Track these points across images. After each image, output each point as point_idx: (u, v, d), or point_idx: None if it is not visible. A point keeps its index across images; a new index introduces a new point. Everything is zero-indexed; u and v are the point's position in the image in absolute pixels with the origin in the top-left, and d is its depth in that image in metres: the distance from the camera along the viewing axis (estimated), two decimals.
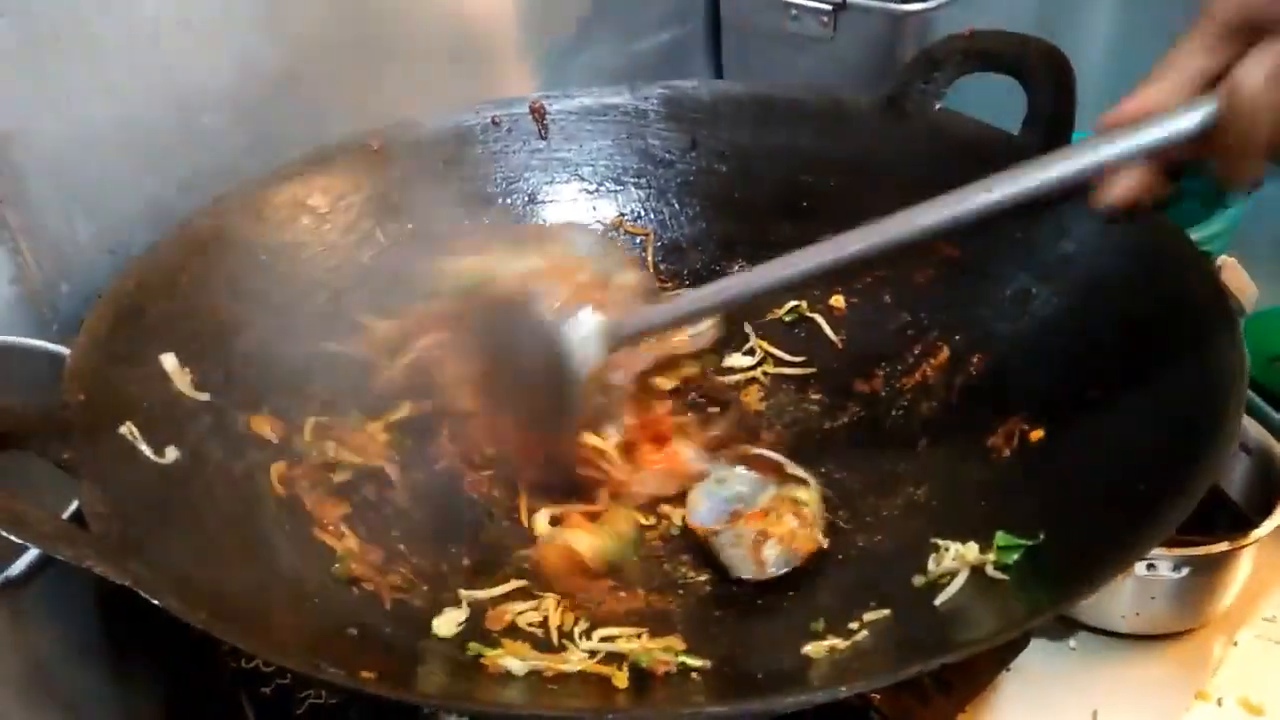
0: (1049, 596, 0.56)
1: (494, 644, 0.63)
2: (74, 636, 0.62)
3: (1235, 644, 0.86)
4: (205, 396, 0.71)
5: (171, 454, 0.64)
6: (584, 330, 0.70)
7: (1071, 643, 0.88)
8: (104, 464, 0.59)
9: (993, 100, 0.85)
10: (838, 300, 0.91)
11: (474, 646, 0.62)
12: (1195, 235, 0.97)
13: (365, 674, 0.48)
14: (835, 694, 0.45)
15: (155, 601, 0.48)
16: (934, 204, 0.63)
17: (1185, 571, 0.82)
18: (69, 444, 0.57)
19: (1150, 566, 0.82)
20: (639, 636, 0.63)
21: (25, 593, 0.57)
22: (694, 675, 0.59)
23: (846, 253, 0.65)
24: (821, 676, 0.56)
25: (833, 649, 0.59)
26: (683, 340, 0.85)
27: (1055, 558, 0.59)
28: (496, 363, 0.76)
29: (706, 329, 0.86)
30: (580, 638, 0.64)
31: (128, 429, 0.62)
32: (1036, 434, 0.71)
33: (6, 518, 0.48)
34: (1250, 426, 0.89)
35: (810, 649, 0.60)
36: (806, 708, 0.45)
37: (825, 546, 0.70)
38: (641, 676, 0.59)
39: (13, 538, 0.48)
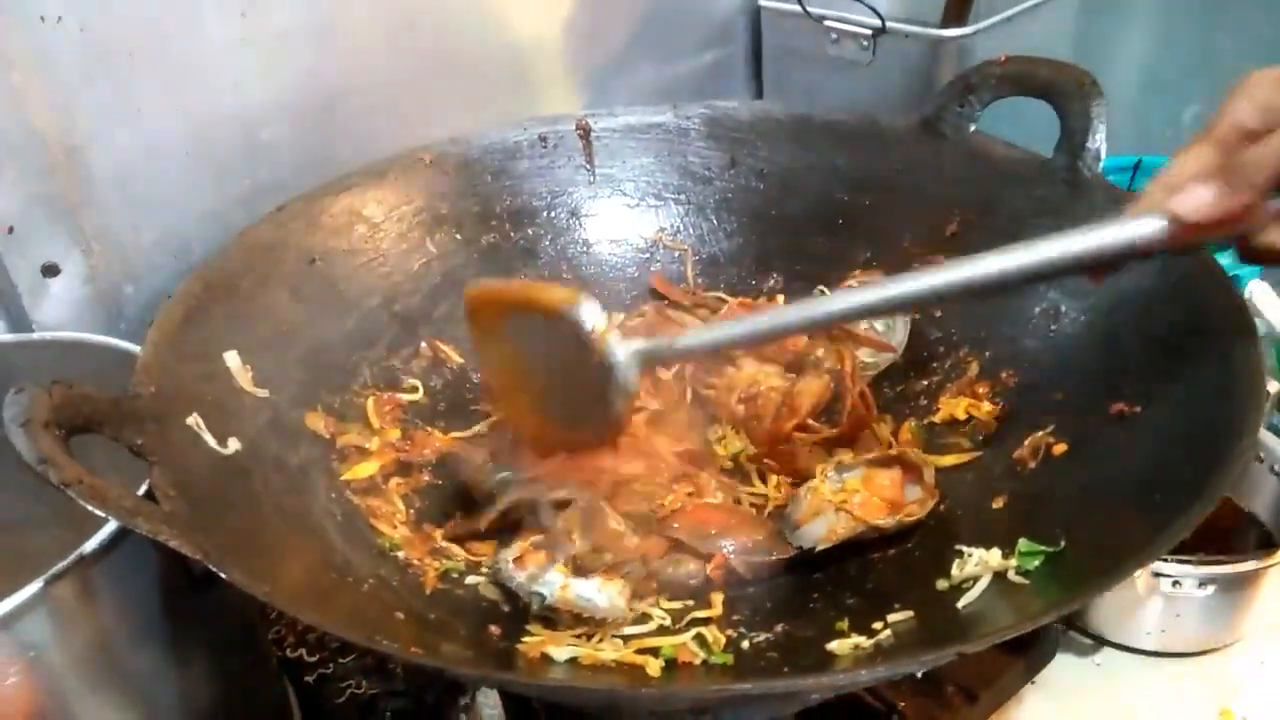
0: (1063, 596, 0.58)
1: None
2: (137, 617, 0.65)
3: (1262, 663, 0.87)
4: (264, 393, 0.74)
5: (233, 445, 0.68)
6: (628, 350, 0.70)
7: (1097, 659, 0.88)
8: (172, 450, 0.62)
9: (1027, 124, 0.87)
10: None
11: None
12: (1226, 259, 0.98)
13: (416, 649, 0.51)
14: (855, 679, 0.47)
15: (222, 574, 0.52)
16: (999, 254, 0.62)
17: (1211, 589, 0.82)
18: (141, 431, 0.61)
19: (1176, 584, 0.83)
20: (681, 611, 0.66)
21: (95, 570, 0.60)
22: (721, 666, 0.61)
23: (901, 293, 0.65)
24: (845, 668, 0.58)
25: (857, 646, 0.61)
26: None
27: (1074, 564, 0.61)
28: (537, 373, 0.76)
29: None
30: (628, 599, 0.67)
31: (194, 420, 0.66)
32: (1060, 447, 0.72)
33: (90, 492, 0.51)
34: (1279, 448, 0.90)
35: (835, 645, 0.62)
36: (828, 692, 0.47)
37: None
38: (672, 666, 0.62)
39: (96, 511, 0.52)
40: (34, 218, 0.83)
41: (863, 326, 0.88)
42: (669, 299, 0.97)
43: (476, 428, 0.87)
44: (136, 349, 0.71)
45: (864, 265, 0.92)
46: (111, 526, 0.59)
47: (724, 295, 0.97)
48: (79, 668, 0.62)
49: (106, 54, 0.84)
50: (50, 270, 0.86)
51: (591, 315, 0.69)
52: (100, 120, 0.85)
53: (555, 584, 0.66)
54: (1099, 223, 0.60)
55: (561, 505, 0.72)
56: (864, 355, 0.88)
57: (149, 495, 0.59)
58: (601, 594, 0.66)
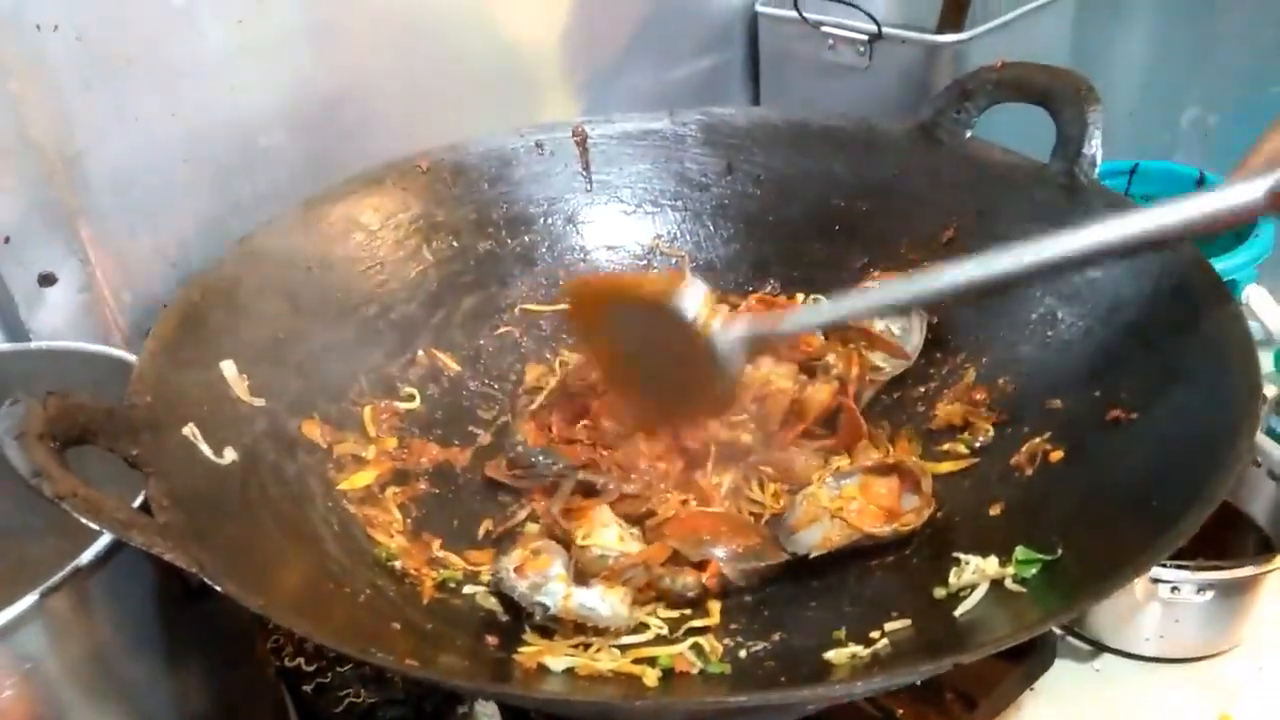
0: (1061, 603, 0.58)
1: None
2: (134, 627, 0.65)
3: (1260, 669, 0.87)
4: (260, 402, 0.74)
5: (229, 455, 0.68)
6: (732, 334, 0.72)
7: (1096, 665, 0.88)
8: (168, 461, 0.62)
9: (1023, 129, 0.87)
10: (869, 324, 0.93)
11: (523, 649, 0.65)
12: (1222, 265, 0.99)
13: (410, 661, 0.51)
14: (852, 690, 0.47)
15: (217, 587, 0.51)
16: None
17: (1210, 595, 0.82)
18: (136, 441, 0.61)
19: (1175, 589, 0.82)
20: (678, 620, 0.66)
21: (91, 582, 0.59)
22: (718, 676, 0.61)
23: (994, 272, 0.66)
24: (841, 678, 0.58)
25: (854, 656, 0.61)
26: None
27: (1071, 571, 0.61)
28: (643, 360, 0.77)
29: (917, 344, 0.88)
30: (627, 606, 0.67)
31: (190, 430, 0.66)
32: (1057, 454, 0.72)
33: (85, 505, 0.51)
34: (1278, 454, 0.90)
35: (832, 655, 0.62)
36: (824, 704, 0.46)
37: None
38: (669, 676, 0.62)
39: (90, 524, 0.52)
40: (31, 226, 0.83)
41: (879, 328, 0.88)
42: None
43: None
44: (133, 358, 0.71)
45: (861, 271, 0.92)
46: (107, 537, 0.59)
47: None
48: (75, 679, 0.62)
49: (104, 62, 0.84)
50: (47, 279, 0.86)
51: (693, 304, 0.70)
52: (97, 128, 0.85)
53: (558, 594, 0.66)
54: (1201, 192, 0.61)
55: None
56: (877, 360, 0.87)
57: (144, 507, 0.59)
58: (604, 602, 0.66)
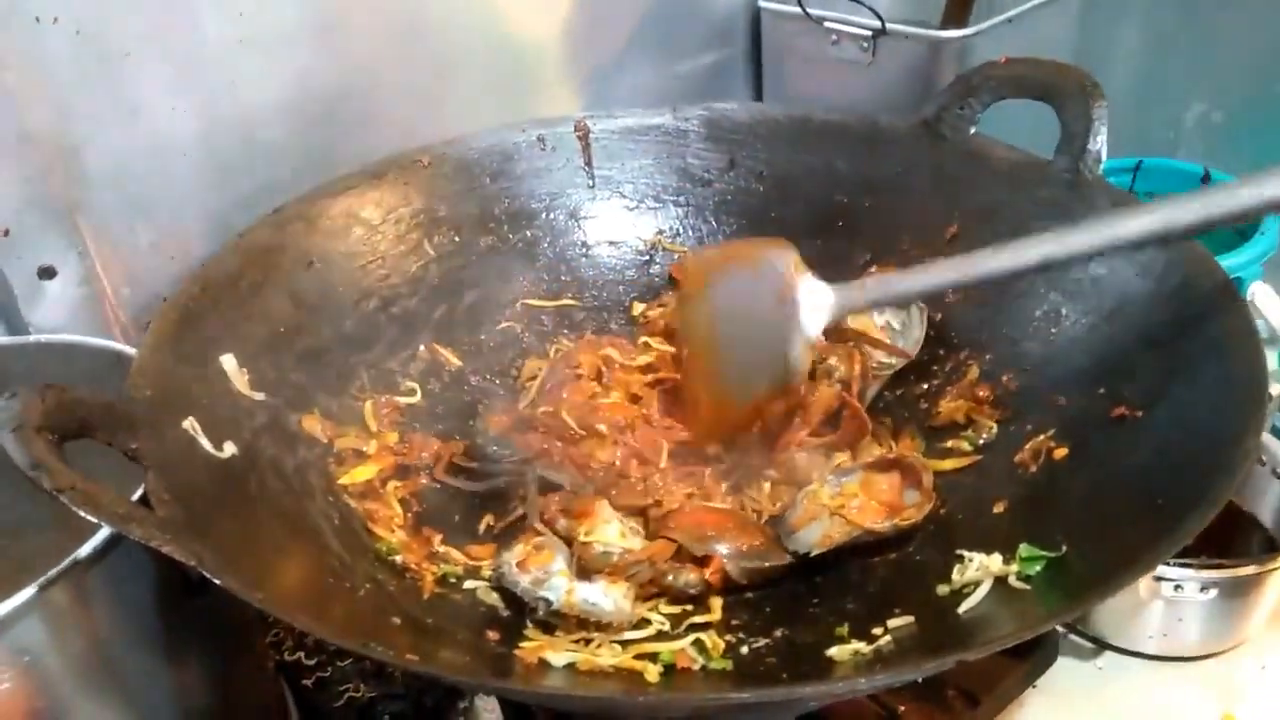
0: (1065, 601, 0.57)
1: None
2: (133, 621, 0.65)
3: (1264, 668, 0.87)
4: (261, 396, 0.74)
5: (229, 449, 0.68)
6: (817, 297, 0.73)
7: (1099, 663, 0.88)
8: (168, 455, 0.62)
9: (1027, 125, 0.87)
10: (868, 325, 0.92)
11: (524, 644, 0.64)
12: (1228, 262, 0.98)
13: (411, 656, 0.51)
14: (855, 687, 0.47)
15: (217, 581, 0.51)
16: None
17: (1213, 593, 0.82)
18: (136, 435, 0.61)
19: (1178, 588, 0.82)
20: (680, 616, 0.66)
21: (90, 575, 0.59)
22: (720, 672, 0.61)
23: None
24: (845, 675, 0.57)
25: (856, 653, 0.61)
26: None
27: (1075, 569, 0.60)
28: (729, 331, 0.77)
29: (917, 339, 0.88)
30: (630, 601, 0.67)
31: (190, 424, 0.66)
32: (1061, 451, 0.72)
33: (83, 498, 0.51)
34: None
35: (834, 652, 0.61)
36: (826, 700, 0.46)
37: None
38: (671, 672, 0.61)
39: (88, 517, 0.51)
40: (30, 220, 0.83)
41: (879, 325, 0.88)
42: None
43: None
44: (132, 352, 0.71)
45: (863, 267, 0.91)
46: (106, 531, 0.58)
47: None
48: (74, 672, 0.62)
49: (103, 55, 0.84)
50: (46, 273, 0.85)
51: (787, 259, 0.74)
52: (97, 121, 0.85)
53: (561, 588, 0.66)
54: (1240, 181, 0.61)
55: (550, 487, 0.74)
56: (879, 356, 0.87)
57: (144, 500, 0.58)
58: (607, 597, 0.66)
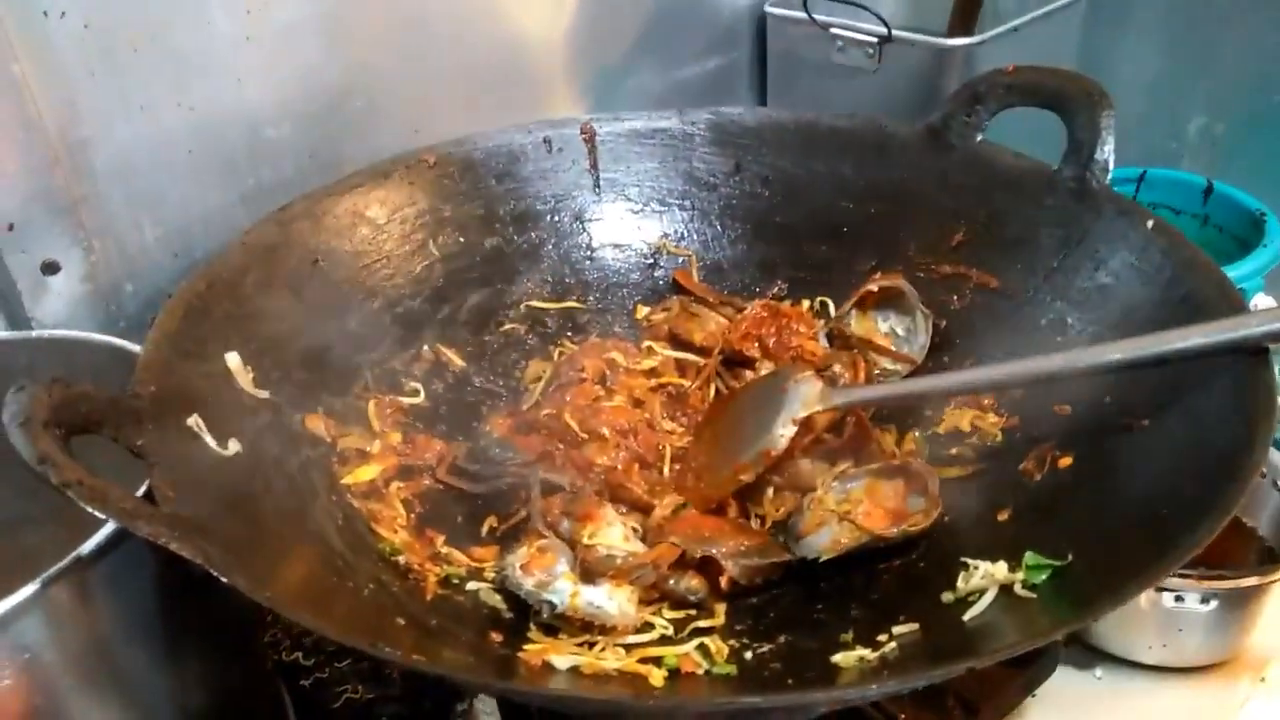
0: (1072, 611, 0.57)
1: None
2: (133, 619, 0.64)
3: (1263, 680, 0.87)
4: (265, 394, 0.74)
5: (233, 446, 0.67)
6: (807, 385, 0.78)
7: (1098, 672, 0.88)
8: (172, 451, 0.62)
9: (1034, 133, 0.87)
10: (873, 332, 0.92)
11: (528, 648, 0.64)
12: (1232, 274, 0.98)
13: (417, 656, 0.50)
14: (865, 693, 0.46)
15: (224, 579, 0.51)
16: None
17: (1213, 605, 0.82)
18: (141, 431, 0.60)
19: (1178, 599, 0.82)
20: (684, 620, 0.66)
21: (92, 572, 0.59)
22: (724, 677, 0.61)
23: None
24: (852, 681, 0.57)
25: (861, 659, 0.60)
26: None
27: (1082, 578, 0.60)
28: (733, 403, 0.85)
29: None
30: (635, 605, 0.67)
31: (194, 421, 0.65)
32: (1066, 460, 0.72)
33: (90, 493, 0.50)
34: None
35: (839, 658, 0.61)
36: (835, 706, 0.46)
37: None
38: (675, 676, 0.61)
39: (95, 513, 0.51)
40: (34, 214, 0.83)
41: (883, 332, 0.88)
42: (693, 294, 0.97)
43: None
44: (137, 348, 0.71)
45: (868, 273, 0.91)
46: (109, 527, 0.58)
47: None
48: (74, 669, 0.62)
49: (110, 49, 0.83)
50: (50, 268, 0.85)
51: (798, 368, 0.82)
52: (103, 116, 0.85)
53: (565, 591, 0.66)
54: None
55: (552, 489, 0.75)
56: (885, 363, 0.88)
57: (148, 496, 0.58)
58: (611, 600, 0.66)
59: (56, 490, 0.51)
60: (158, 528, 0.51)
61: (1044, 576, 0.62)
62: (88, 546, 0.58)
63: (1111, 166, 0.81)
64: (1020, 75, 0.86)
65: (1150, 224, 0.77)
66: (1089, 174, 0.80)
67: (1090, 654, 0.88)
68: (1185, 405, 0.66)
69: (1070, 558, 0.62)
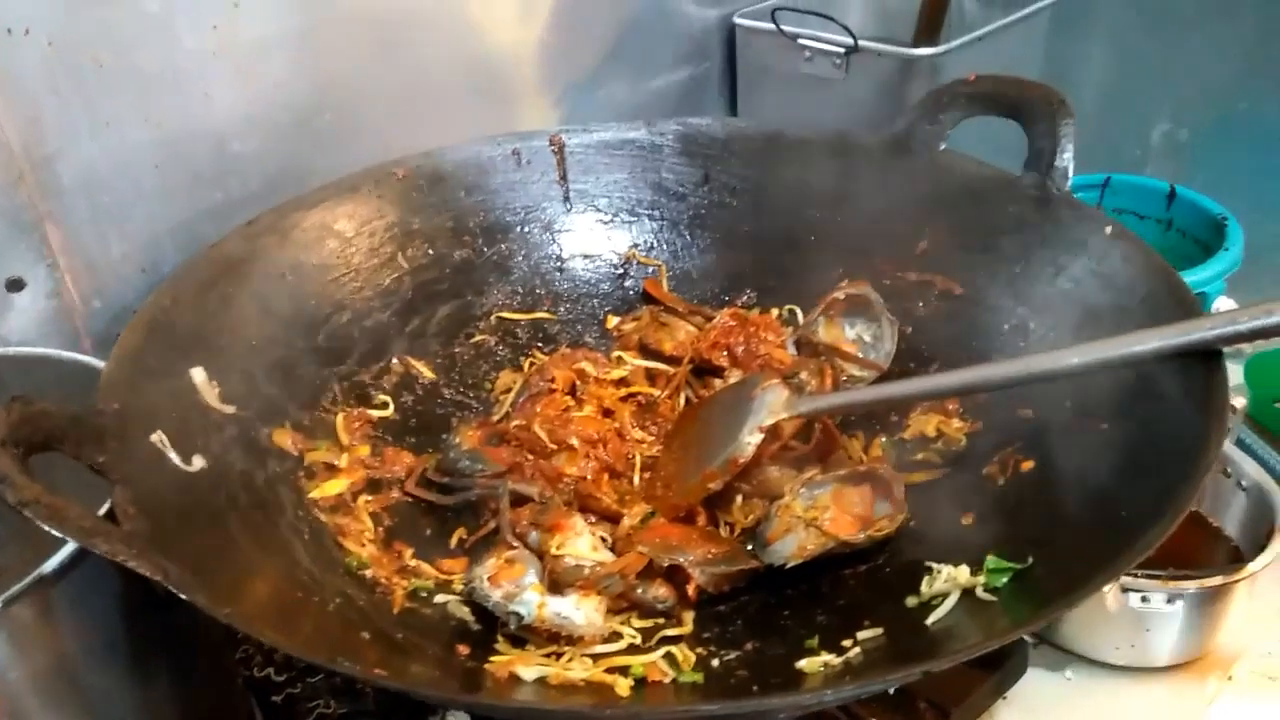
0: (1032, 612, 0.58)
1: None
2: (98, 636, 0.64)
3: (1230, 678, 0.87)
4: (231, 409, 0.74)
5: (198, 462, 0.67)
6: (773, 393, 0.78)
7: (1068, 674, 0.89)
8: (135, 468, 0.62)
9: (999, 141, 0.88)
10: (839, 339, 0.93)
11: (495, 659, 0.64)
12: (1192, 277, 1.00)
13: (379, 670, 0.50)
14: (821, 698, 0.47)
15: (184, 596, 0.51)
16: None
17: (1180, 605, 0.83)
18: (103, 448, 0.60)
19: (1145, 599, 0.83)
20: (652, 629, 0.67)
21: (55, 591, 0.59)
22: (691, 685, 0.61)
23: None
24: (813, 687, 0.58)
25: (826, 664, 0.61)
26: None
27: (1042, 580, 0.61)
28: (701, 412, 0.85)
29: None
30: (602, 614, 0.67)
31: (158, 437, 0.65)
32: (1028, 464, 0.73)
33: (47, 512, 0.50)
34: (1247, 465, 0.90)
35: (804, 664, 0.61)
36: (796, 712, 0.46)
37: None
38: (641, 685, 0.61)
39: (53, 531, 0.51)
40: None
41: (850, 339, 0.89)
42: (663, 303, 0.97)
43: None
44: (101, 365, 0.70)
45: (835, 282, 0.92)
46: (71, 546, 0.58)
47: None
48: (38, 688, 0.61)
49: (75, 66, 0.83)
50: (15, 285, 0.84)
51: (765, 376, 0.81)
52: (68, 132, 0.84)
53: (533, 603, 0.66)
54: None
55: (521, 500, 0.75)
56: (852, 369, 0.88)
57: (110, 515, 0.58)
58: (578, 611, 0.66)
59: (13, 509, 0.51)
60: (116, 545, 0.51)
61: (1005, 580, 0.63)
62: (50, 565, 0.58)
63: (1071, 174, 0.81)
64: (981, 84, 0.87)
65: (1109, 230, 0.78)
66: (1049, 181, 0.81)
67: (1060, 655, 0.89)
68: (1143, 407, 0.67)
69: (1031, 560, 0.63)
